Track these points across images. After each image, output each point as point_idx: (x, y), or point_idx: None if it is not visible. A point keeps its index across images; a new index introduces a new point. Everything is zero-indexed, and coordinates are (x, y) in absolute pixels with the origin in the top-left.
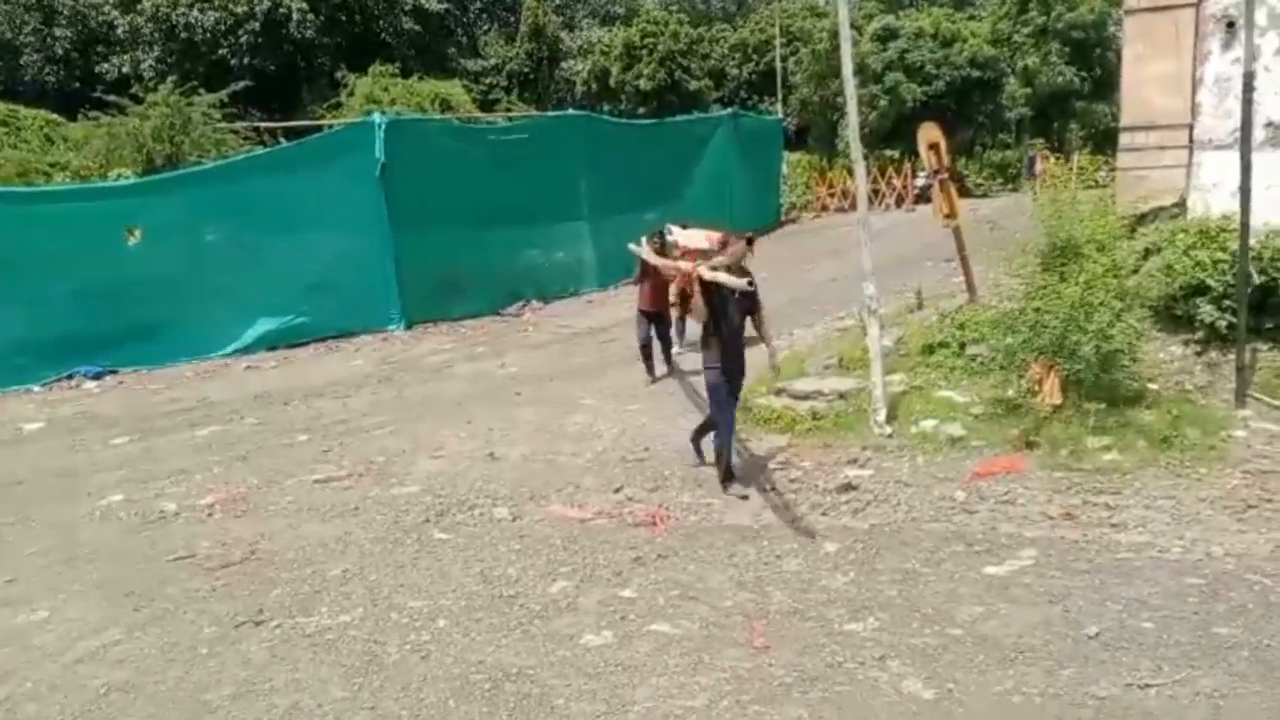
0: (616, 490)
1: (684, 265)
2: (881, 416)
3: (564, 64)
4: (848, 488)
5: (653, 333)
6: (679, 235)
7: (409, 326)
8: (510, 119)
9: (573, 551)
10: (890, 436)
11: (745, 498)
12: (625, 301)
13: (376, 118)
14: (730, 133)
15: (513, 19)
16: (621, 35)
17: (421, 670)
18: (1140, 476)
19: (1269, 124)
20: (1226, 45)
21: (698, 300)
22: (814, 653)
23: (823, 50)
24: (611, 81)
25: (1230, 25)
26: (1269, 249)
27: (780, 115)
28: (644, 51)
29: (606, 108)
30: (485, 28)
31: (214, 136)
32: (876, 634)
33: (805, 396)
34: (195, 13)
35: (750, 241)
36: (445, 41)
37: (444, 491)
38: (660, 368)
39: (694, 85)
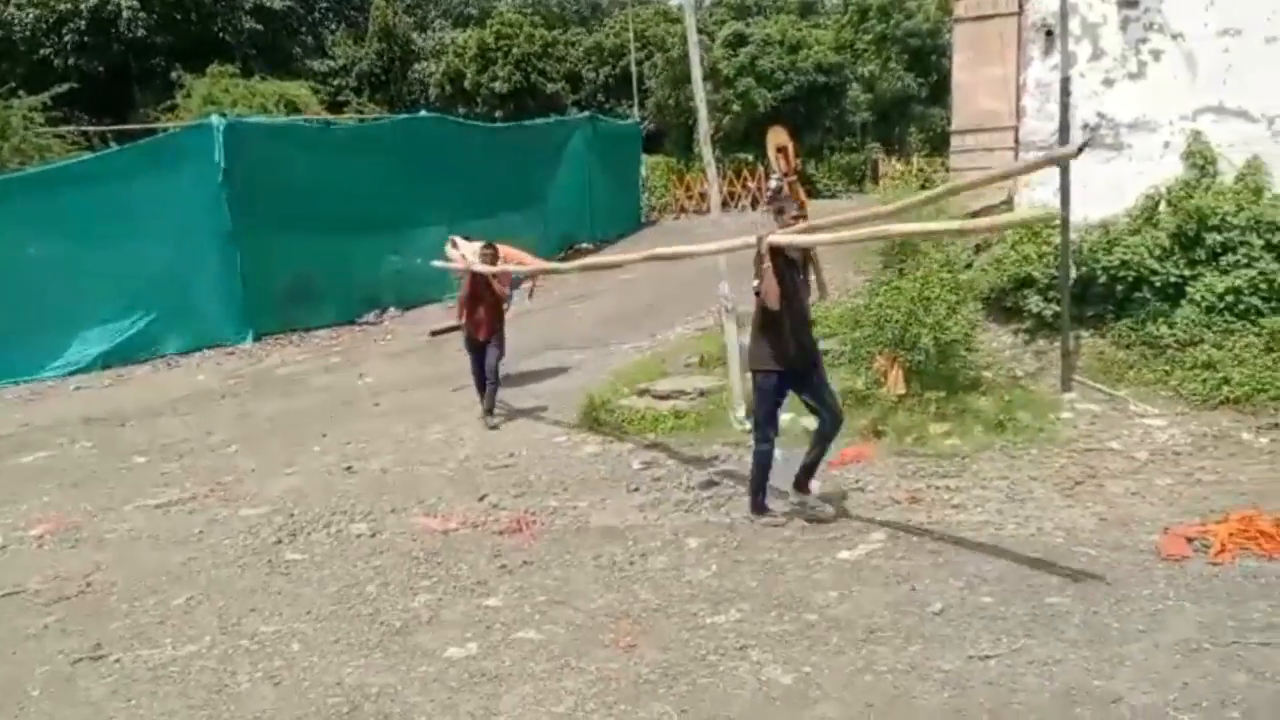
0: (481, 498)
1: (592, 260)
2: (741, 413)
3: (416, 65)
4: (710, 484)
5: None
6: (465, 249)
7: (258, 339)
8: (362, 121)
9: (435, 563)
10: (750, 432)
11: (779, 525)
12: None
13: (215, 120)
14: (589, 136)
15: (361, 19)
16: (475, 37)
17: (274, 697)
18: (978, 459)
19: (1085, 126)
20: (1046, 52)
21: (770, 282)
22: (679, 648)
23: (677, 55)
24: (466, 84)
25: (1049, 34)
26: (1087, 242)
27: (638, 119)
28: (499, 54)
29: (462, 110)
30: (332, 27)
31: (36, 142)
32: (738, 625)
33: (667, 396)
34: (12, 8)
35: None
36: (289, 41)
37: (297, 510)
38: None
39: (550, 88)
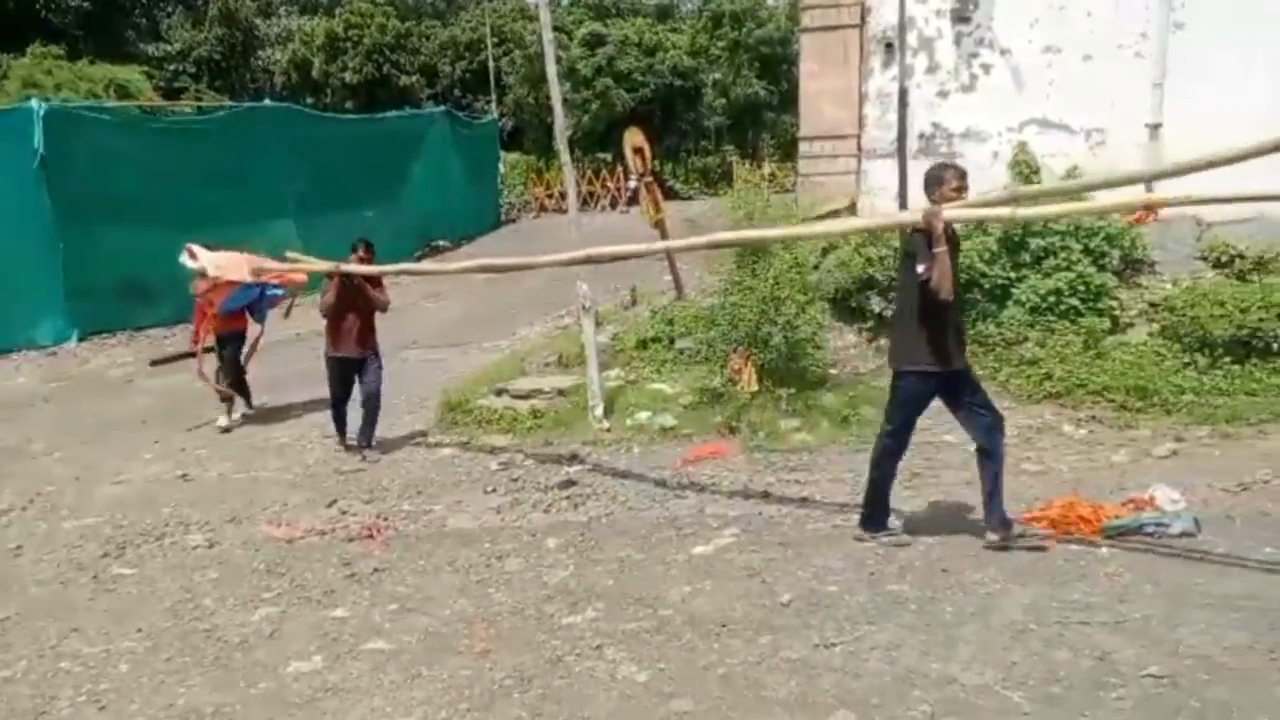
0: (329, 505)
1: (756, 234)
2: (599, 411)
3: (260, 53)
4: (568, 483)
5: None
6: (205, 260)
7: (83, 338)
8: (201, 109)
9: (279, 574)
10: (608, 430)
11: (906, 544)
12: None
13: (35, 104)
14: (446, 130)
15: (200, 2)
16: (324, 25)
17: None
18: (825, 453)
19: (921, 135)
20: (886, 64)
21: (944, 265)
22: (534, 650)
23: (535, 53)
24: (314, 73)
25: (889, 46)
26: None
27: (496, 115)
28: (349, 43)
29: (310, 101)
30: (168, 9)
31: None
32: (594, 624)
33: (526, 395)
34: None
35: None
36: (121, 22)
37: (127, 521)
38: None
39: (405, 81)
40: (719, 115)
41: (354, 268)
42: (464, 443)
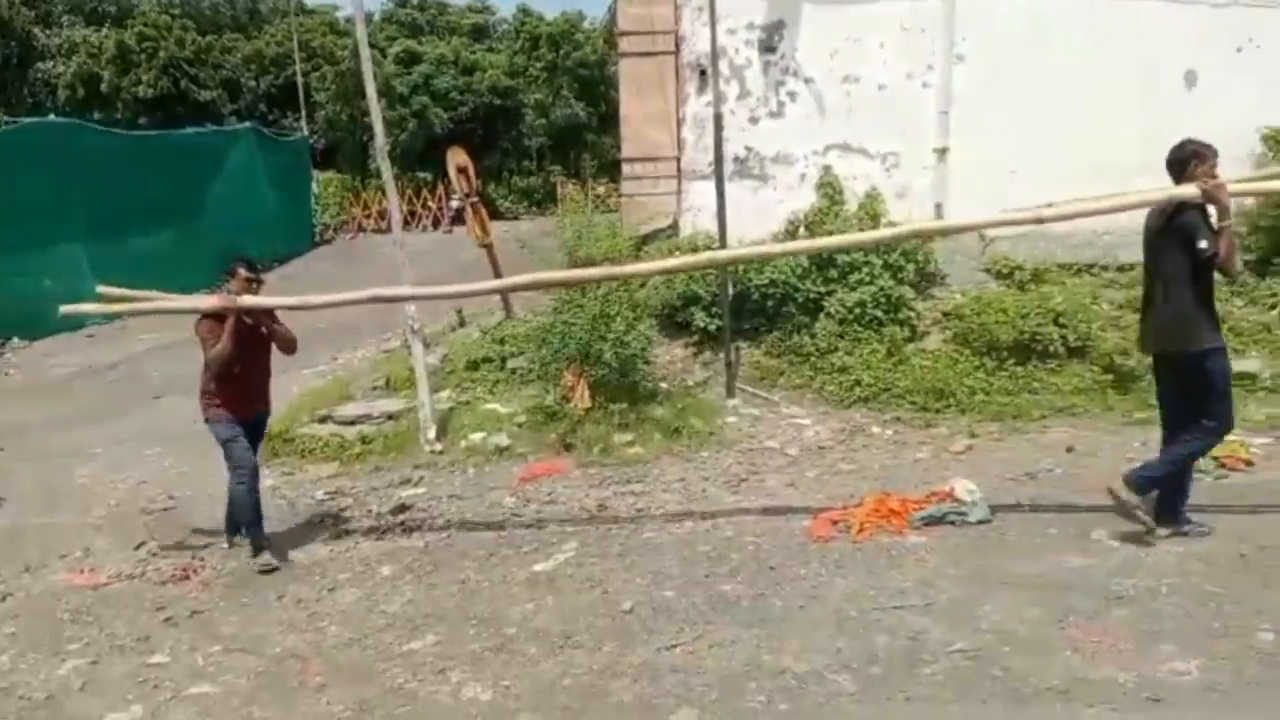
0: (137, 547)
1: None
2: (431, 434)
3: (40, 65)
4: (402, 508)
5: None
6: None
7: None
8: None
9: (85, 624)
10: (441, 453)
11: (1206, 533)
12: (135, 335)
13: None
14: (253, 148)
15: None
16: (114, 37)
17: None
18: (658, 464)
19: (736, 158)
20: (700, 90)
21: (1229, 240)
22: (374, 680)
23: (347, 69)
24: (104, 87)
25: (703, 73)
26: (742, 263)
27: (307, 133)
28: (143, 56)
29: (99, 116)
30: None
31: None
32: (436, 648)
33: (353, 421)
34: None
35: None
36: None
37: None
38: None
39: (205, 96)
40: (540, 136)
41: (252, 300)
42: (287, 474)
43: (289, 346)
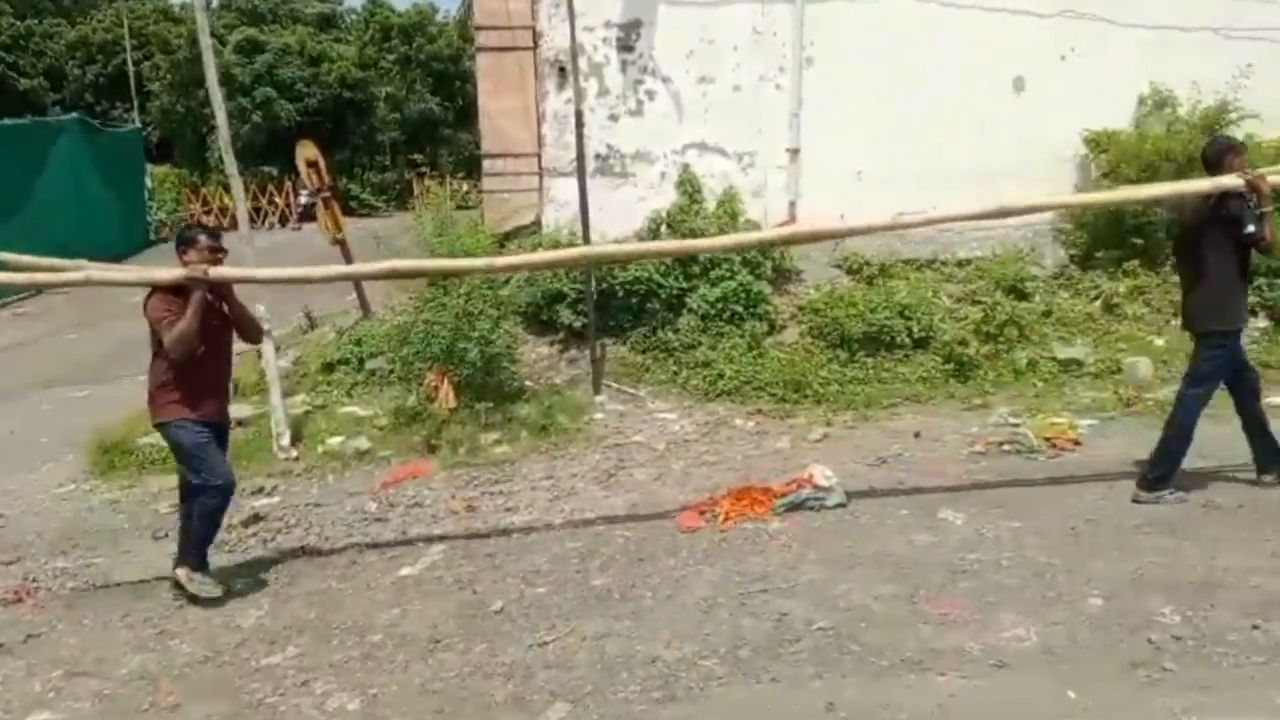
0: None
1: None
2: (285, 440)
3: None
4: (255, 519)
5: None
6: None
7: None
8: None
9: None
10: (297, 459)
11: None
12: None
13: None
14: (79, 140)
15: None
16: None
17: None
18: (526, 463)
19: (598, 155)
20: (560, 87)
21: (1272, 224)
22: (231, 696)
23: (184, 58)
24: None
25: (562, 70)
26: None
27: (139, 124)
28: None
29: None
30: None
31: None
32: (298, 660)
33: None
34: None
35: None
36: None
37: None
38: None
39: (25, 84)
40: (393, 130)
41: (225, 272)
42: (127, 487)
43: (255, 331)
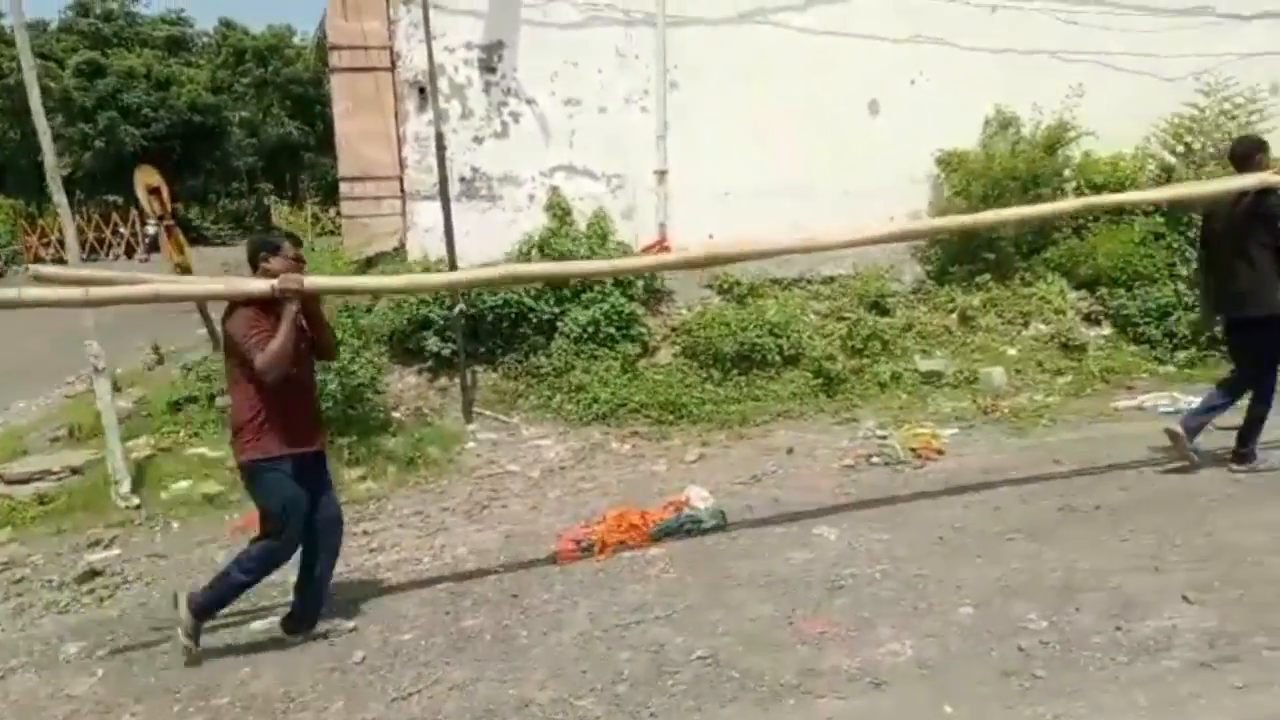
0: None
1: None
2: (125, 487)
3: None
4: (92, 574)
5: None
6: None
7: None
8: None
9: None
10: (139, 507)
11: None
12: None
13: None
14: None
15: None
16: None
17: None
18: (393, 498)
19: (462, 178)
20: (421, 108)
21: None
22: None
23: (15, 83)
24: None
25: (422, 91)
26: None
27: None
28: None
29: None
30: None
31: None
32: None
33: (28, 479)
34: None
35: None
36: None
37: None
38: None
39: None
40: (249, 155)
41: (323, 281)
42: None
43: (331, 349)
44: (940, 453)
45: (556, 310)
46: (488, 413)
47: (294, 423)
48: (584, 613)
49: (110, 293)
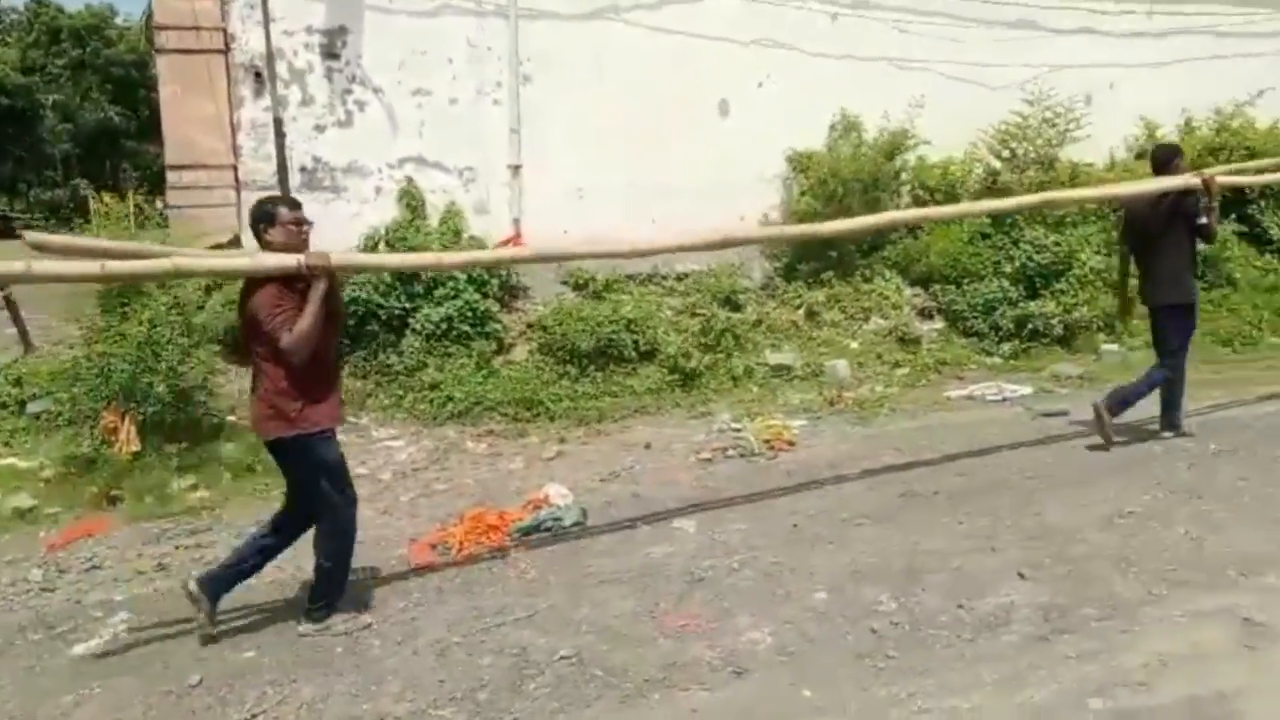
0: None
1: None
2: None
3: None
4: None
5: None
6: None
7: None
8: None
9: None
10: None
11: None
12: None
13: None
14: None
15: None
16: None
17: None
18: (229, 509)
19: (303, 168)
20: (258, 93)
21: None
22: None
23: None
24: None
25: (258, 75)
26: None
27: None
28: None
29: None
30: None
31: None
32: None
33: None
34: None
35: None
36: None
37: None
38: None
39: None
40: (64, 142)
41: (350, 258)
42: None
43: (343, 326)
44: (791, 444)
45: (408, 307)
46: None
47: (330, 395)
48: (441, 619)
49: (128, 267)
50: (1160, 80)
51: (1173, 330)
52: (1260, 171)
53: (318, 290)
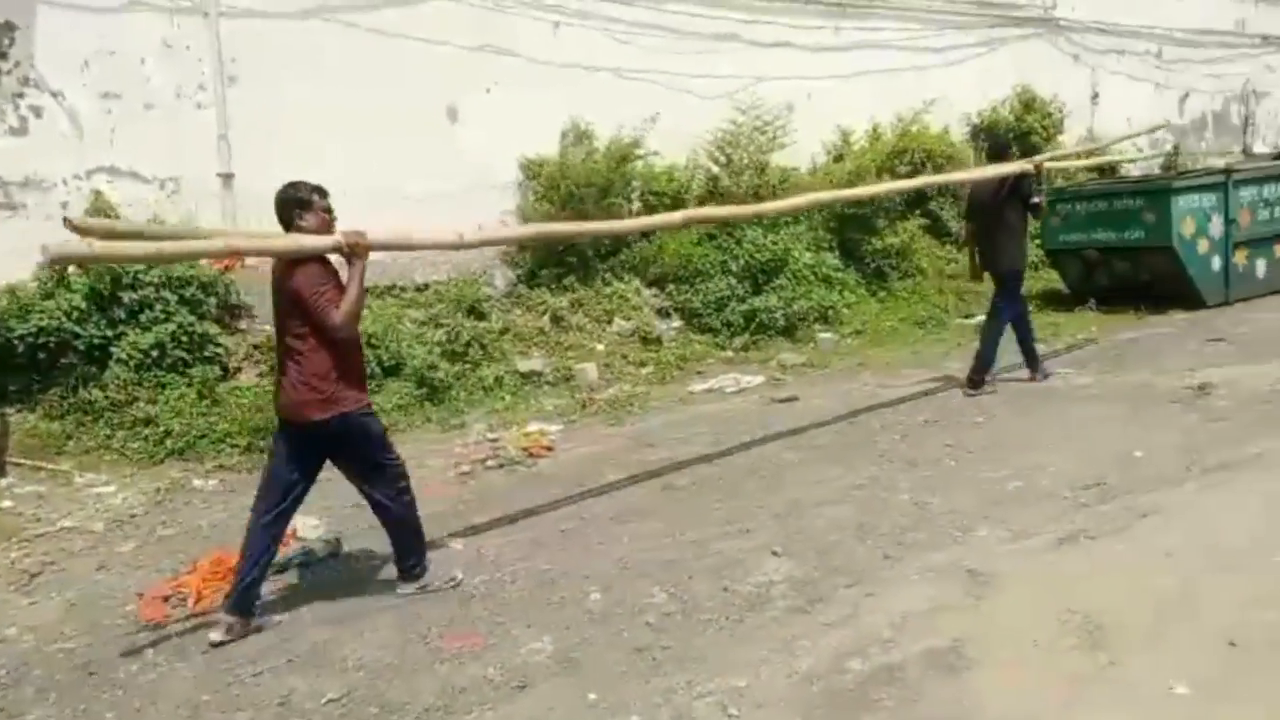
0: None
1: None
2: None
3: None
4: None
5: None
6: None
7: None
8: None
9: None
10: None
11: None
12: None
13: None
14: None
15: None
16: None
17: None
18: None
19: None
20: None
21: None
22: None
23: None
24: None
25: None
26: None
27: None
28: None
29: None
30: None
31: None
32: None
33: None
34: None
35: None
36: None
37: None
38: None
39: None
40: None
41: (382, 237)
42: None
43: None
44: (549, 449)
45: (110, 334)
46: (28, 461)
47: (362, 377)
48: (187, 677)
49: (184, 247)
50: (850, 91)
51: (1013, 288)
52: (1078, 156)
53: (358, 269)
